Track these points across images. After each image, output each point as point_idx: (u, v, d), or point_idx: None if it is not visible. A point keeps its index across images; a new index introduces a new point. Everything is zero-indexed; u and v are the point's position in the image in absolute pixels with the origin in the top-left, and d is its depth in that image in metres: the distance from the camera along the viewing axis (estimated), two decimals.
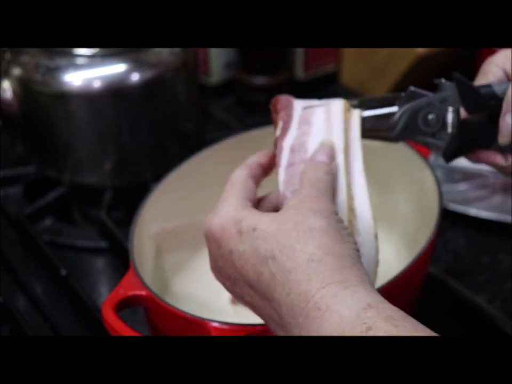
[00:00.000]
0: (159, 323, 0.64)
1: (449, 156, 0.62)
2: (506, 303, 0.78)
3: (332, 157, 0.58)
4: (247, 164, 0.58)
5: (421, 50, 1.01)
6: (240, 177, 0.56)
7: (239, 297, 0.53)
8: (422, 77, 1.04)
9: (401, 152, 0.76)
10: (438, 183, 0.71)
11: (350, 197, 0.57)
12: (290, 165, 0.57)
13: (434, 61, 1.03)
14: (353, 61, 1.12)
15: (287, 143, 0.59)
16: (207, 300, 0.73)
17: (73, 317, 0.78)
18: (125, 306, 0.62)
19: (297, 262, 0.48)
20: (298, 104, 0.63)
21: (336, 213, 0.52)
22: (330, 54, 1.13)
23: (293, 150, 0.59)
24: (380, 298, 0.47)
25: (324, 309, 0.46)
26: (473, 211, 0.88)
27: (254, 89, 1.10)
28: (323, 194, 0.53)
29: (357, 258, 0.50)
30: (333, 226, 0.50)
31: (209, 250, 0.54)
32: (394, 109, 0.61)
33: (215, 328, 0.58)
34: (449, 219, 0.88)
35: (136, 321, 0.72)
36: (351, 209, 0.56)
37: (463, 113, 0.61)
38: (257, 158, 0.59)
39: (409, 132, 0.61)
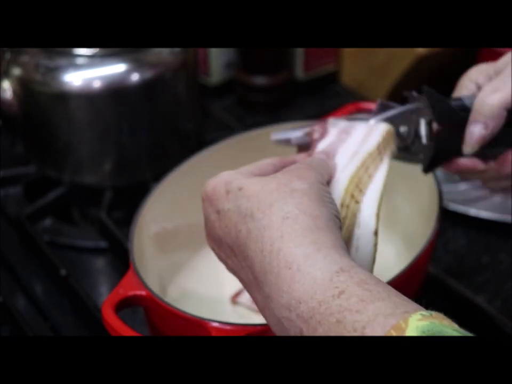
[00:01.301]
0: (159, 323, 0.64)
1: (427, 166, 0.62)
2: (506, 303, 0.78)
3: (329, 157, 0.59)
4: (282, 157, 0.59)
5: (421, 50, 1.01)
6: (264, 161, 0.57)
7: (225, 262, 0.54)
8: (422, 77, 1.04)
9: None
10: (438, 183, 0.71)
11: (357, 187, 0.58)
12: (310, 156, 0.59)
13: (434, 61, 1.03)
14: (353, 61, 1.12)
15: (321, 146, 0.61)
16: (207, 300, 0.73)
17: (73, 317, 0.78)
18: (125, 306, 0.62)
19: (273, 219, 0.48)
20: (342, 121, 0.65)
21: (322, 183, 0.52)
22: (330, 54, 1.14)
23: (323, 152, 0.60)
24: (352, 263, 0.47)
25: (295, 269, 0.46)
26: (473, 211, 0.88)
27: (254, 89, 1.10)
28: (313, 168, 0.54)
29: (334, 222, 0.50)
30: (315, 190, 0.51)
31: (204, 213, 0.55)
32: (363, 123, 0.61)
33: (215, 328, 0.58)
34: (449, 219, 0.88)
35: (136, 321, 0.72)
36: (353, 197, 0.57)
37: (434, 125, 0.61)
38: (297, 156, 0.61)
39: None
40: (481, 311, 0.74)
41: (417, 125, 0.61)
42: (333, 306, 0.44)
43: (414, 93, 0.61)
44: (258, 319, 0.69)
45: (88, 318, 0.75)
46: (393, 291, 0.45)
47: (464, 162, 0.63)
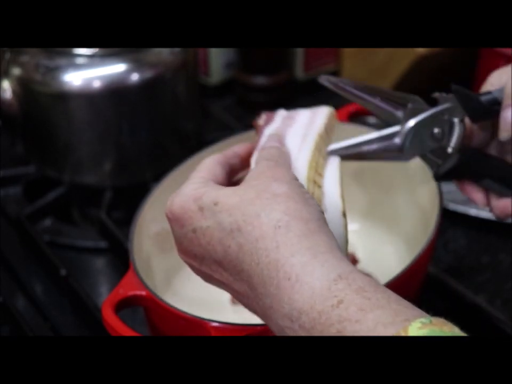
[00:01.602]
0: (159, 323, 0.64)
1: (441, 175, 0.62)
2: (506, 303, 0.78)
3: (281, 143, 0.59)
4: (222, 152, 0.58)
5: (421, 50, 1.01)
6: (208, 162, 0.56)
7: (207, 276, 0.52)
8: (422, 77, 1.04)
9: None
10: (438, 183, 0.71)
11: (316, 172, 0.58)
12: (263, 148, 0.58)
13: (434, 61, 1.03)
14: (353, 61, 1.12)
15: (268, 131, 0.62)
16: (207, 299, 0.73)
17: (73, 317, 0.78)
18: (125, 306, 0.62)
19: (264, 229, 0.47)
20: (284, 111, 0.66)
21: (296, 179, 0.52)
22: (330, 54, 1.14)
23: (275, 138, 0.60)
24: (350, 267, 0.46)
25: (294, 279, 0.45)
26: (473, 211, 0.88)
27: (254, 89, 1.10)
28: (281, 164, 0.53)
29: (323, 220, 0.49)
30: (296, 190, 0.50)
31: (173, 231, 0.53)
32: (396, 128, 0.61)
33: (215, 328, 0.58)
34: (449, 219, 0.88)
35: (136, 321, 0.72)
36: (315, 183, 0.57)
37: (468, 124, 0.61)
38: (236, 148, 0.60)
39: (418, 149, 0.61)
40: (481, 311, 0.74)
41: (450, 125, 0.61)
42: (332, 316, 0.43)
43: (444, 93, 0.61)
44: (258, 319, 0.69)
45: (88, 318, 0.75)
46: (393, 296, 0.44)
47: (470, 191, 0.63)
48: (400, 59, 1.03)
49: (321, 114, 0.64)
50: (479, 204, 0.63)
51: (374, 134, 0.62)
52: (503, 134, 0.60)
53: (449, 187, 0.91)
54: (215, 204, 0.50)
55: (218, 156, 0.57)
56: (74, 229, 0.91)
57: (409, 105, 0.61)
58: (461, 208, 0.88)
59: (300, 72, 1.13)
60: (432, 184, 0.71)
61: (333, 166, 0.60)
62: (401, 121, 0.61)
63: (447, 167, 0.62)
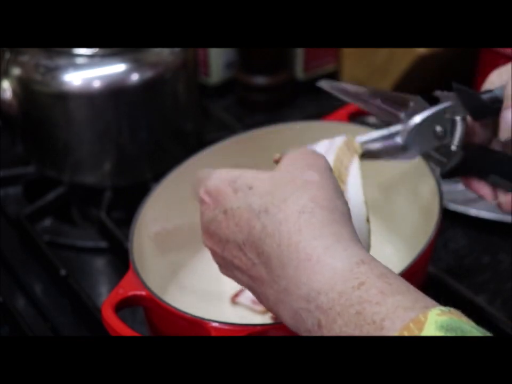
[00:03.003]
0: (159, 323, 0.64)
1: (448, 173, 0.62)
2: (506, 303, 0.78)
3: None
4: None
5: (421, 50, 1.01)
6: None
7: (227, 263, 0.53)
8: (422, 77, 1.04)
9: None
10: (438, 183, 0.71)
11: (340, 180, 0.59)
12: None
13: (434, 61, 1.03)
14: (353, 61, 1.12)
15: None
16: (207, 300, 0.73)
17: (73, 317, 0.78)
18: (125, 306, 0.62)
19: (288, 213, 0.48)
20: None
21: (331, 169, 0.52)
22: (330, 54, 1.13)
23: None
24: (371, 256, 0.47)
25: (315, 260, 0.46)
26: (473, 211, 0.88)
27: (254, 89, 1.10)
28: (318, 152, 0.54)
29: (348, 216, 0.50)
30: (327, 181, 0.50)
31: (202, 216, 0.54)
32: (398, 127, 0.61)
33: (215, 328, 0.58)
34: (449, 219, 0.88)
35: (136, 321, 0.72)
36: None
37: (470, 122, 0.61)
38: None
39: (420, 148, 0.61)
40: (481, 311, 0.74)
41: (452, 124, 0.61)
42: (353, 297, 0.44)
43: (445, 92, 0.61)
44: (258, 319, 0.69)
45: (88, 318, 0.75)
46: (412, 287, 0.45)
47: (478, 187, 0.63)
48: (400, 59, 1.03)
49: (338, 140, 0.64)
50: (487, 199, 0.63)
51: (376, 133, 0.62)
52: (504, 135, 0.60)
53: (449, 187, 0.91)
54: (250, 188, 0.51)
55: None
56: (74, 229, 0.91)
57: (411, 104, 0.61)
58: (461, 208, 0.88)
59: (299, 72, 1.13)
60: (432, 184, 0.71)
61: (356, 176, 0.60)
62: (404, 121, 0.61)
63: (452, 165, 0.62)
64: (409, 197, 0.78)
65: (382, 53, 1.06)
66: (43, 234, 0.87)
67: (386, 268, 0.46)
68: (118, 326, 0.58)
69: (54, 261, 0.81)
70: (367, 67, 1.09)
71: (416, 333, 0.41)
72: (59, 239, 0.87)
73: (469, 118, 0.61)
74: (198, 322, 0.59)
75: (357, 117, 0.80)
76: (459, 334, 0.41)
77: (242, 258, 0.51)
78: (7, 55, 0.87)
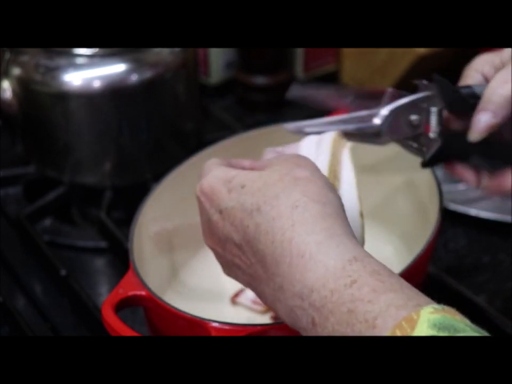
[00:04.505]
0: (159, 323, 0.64)
1: (428, 161, 0.62)
2: (506, 303, 0.78)
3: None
4: (226, 159, 0.58)
5: (421, 50, 1.01)
6: (215, 161, 0.56)
7: (228, 263, 0.53)
8: (422, 77, 1.04)
9: (401, 152, 0.76)
10: (438, 183, 0.71)
11: (335, 176, 0.59)
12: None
13: (434, 61, 1.03)
14: (353, 61, 1.12)
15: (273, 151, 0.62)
16: (207, 300, 0.73)
17: (73, 317, 0.78)
18: (125, 306, 0.62)
19: (281, 209, 0.48)
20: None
21: (319, 170, 0.52)
22: (330, 54, 1.13)
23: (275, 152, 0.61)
24: (365, 252, 0.47)
25: (308, 256, 0.46)
26: (473, 211, 0.88)
27: (254, 89, 1.10)
28: (304, 156, 0.54)
29: (342, 209, 0.50)
30: (318, 176, 0.51)
31: (201, 215, 0.55)
32: (375, 110, 0.61)
33: (215, 328, 0.58)
34: (449, 219, 0.88)
35: (136, 321, 0.72)
36: (335, 188, 0.58)
37: (445, 113, 0.61)
38: (242, 160, 0.60)
39: (395, 134, 0.61)
40: (481, 311, 0.74)
41: (428, 114, 0.61)
42: (345, 295, 0.44)
43: (425, 82, 0.61)
44: (258, 319, 0.69)
45: (88, 318, 0.75)
46: (406, 284, 0.45)
47: (461, 171, 0.63)
48: (401, 59, 1.03)
49: (328, 134, 0.63)
50: (471, 184, 0.63)
51: (352, 114, 0.62)
52: (473, 135, 0.60)
53: (449, 187, 0.91)
54: (242, 187, 0.51)
55: (222, 159, 0.57)
56: (74, 229, 0.91)
57: (389, 90, 0.61)
58: (461, 208, 0.88)
59: (299, 72, 1.13)
60: (432, 184, 0.71)
61: (348, 170, 0.60)
62: (381, 105, 0.61)
63: (432, 152, 0.62)
64: (409, 197, 0.78)
65: (382, 53, 1.06)
66: (43, 234, 0.87)
67: (380, 265, 0.46)
68: (118, 326, 0.58)
69: (54, 261, 0.80)
70: (367, 67, 1.09)
71: (408, 331, 0.41)
72: (59, 239, 0.87)
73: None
74: (198, 322, 0.59)
75: None
76: (452, 333, 0.41)
77: (241, 257, 0.51)
78: (7, 55, 0.87)
